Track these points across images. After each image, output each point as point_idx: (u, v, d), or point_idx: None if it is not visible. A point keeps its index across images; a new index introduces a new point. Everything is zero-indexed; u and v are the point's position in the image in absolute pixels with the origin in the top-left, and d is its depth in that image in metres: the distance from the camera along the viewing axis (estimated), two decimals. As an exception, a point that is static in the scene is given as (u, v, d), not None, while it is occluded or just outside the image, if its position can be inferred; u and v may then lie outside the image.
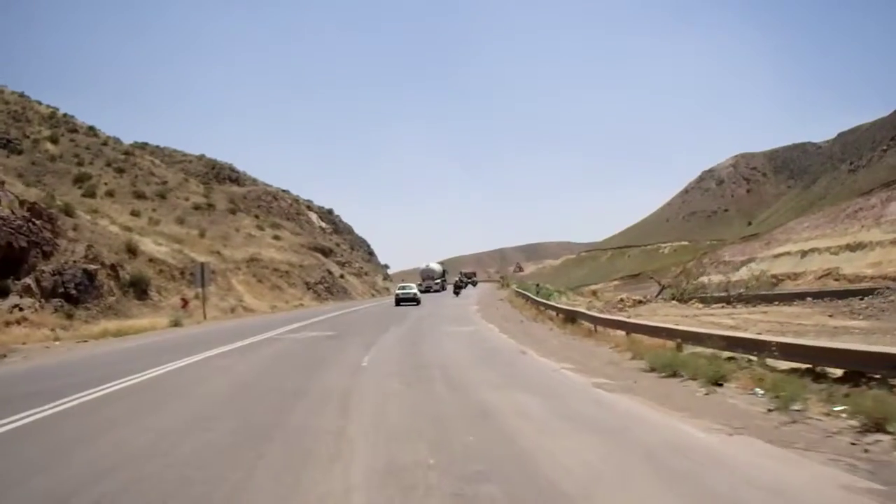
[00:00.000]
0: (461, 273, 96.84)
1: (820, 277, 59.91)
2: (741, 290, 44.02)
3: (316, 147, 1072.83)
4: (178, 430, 8.25)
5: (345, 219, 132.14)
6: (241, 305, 46.28)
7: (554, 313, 28.07)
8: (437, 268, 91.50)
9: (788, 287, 57.13)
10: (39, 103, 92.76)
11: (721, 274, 69.34)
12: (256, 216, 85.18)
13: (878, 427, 7.16)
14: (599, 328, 20.08)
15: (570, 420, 8.28)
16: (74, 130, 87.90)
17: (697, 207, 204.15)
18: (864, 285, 47.30)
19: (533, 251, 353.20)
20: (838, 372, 9.67)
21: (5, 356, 18.69)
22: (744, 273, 59.87)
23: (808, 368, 10.00)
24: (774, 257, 73.20)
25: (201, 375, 13.63)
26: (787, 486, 5.54)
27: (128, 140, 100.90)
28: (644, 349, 14.56)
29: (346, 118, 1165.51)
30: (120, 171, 78.96)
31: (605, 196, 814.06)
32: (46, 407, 9.77)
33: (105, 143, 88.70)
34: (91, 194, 63.13)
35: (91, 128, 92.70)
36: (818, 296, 40.55)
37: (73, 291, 31.24)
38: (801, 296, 41.72)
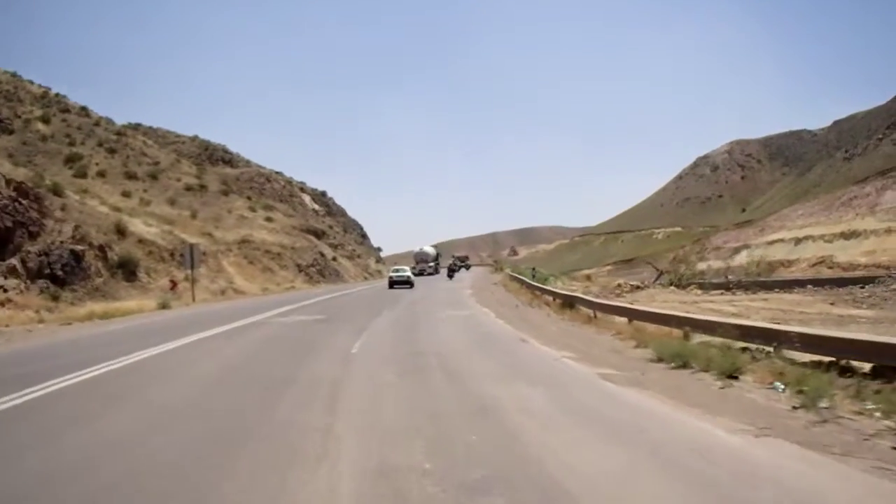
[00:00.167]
0: (454, 257, 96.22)
1: (814, 265, 59.48)
2: (741, 277, 43.47)
3: (310, 130, 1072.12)
4: (142, 430, 7.42)
5: (338, 201, 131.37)
6: (232, 287, 45.57)
7: (550, 298, 27.45)
8: (431, 251, 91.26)
9: (782, 274, 56.71)
10: (31, 83, 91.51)
11: (718, 260, 68.93)
12: (249, 198, 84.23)
13: (919, 429, 6.53)
14: (599, 314, 19.44)
15: (578, 417, 7.60)
16: (66, 110, 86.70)
17: (691, 193, 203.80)
18: (858, 273, 47.10)
19: (526, 235, 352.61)
20: (866, 366, 9.01)
21: (-17, 339, 17.98)
22: (743, 259, 59.44)
23: (831, 361, 9.32)
24: (768, 244, 72.69)
25: (179, 363, 12.86)
26: (835, 502, 4.88)
27: (121, 121, 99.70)
28: (648, 337, 13.93)
29: (342, 103, 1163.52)
30: (112, 151, 77.98)
31: (598, 181, 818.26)
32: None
33: (97, 124, 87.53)
34: (82, 174, 62.44)
35: (83, 108, 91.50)
36: (818, 283, 40.01)
37: (60, 272, 30.54)
38: (801, 283, 41.15)
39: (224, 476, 5.58)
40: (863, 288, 35.51)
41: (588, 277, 61.04)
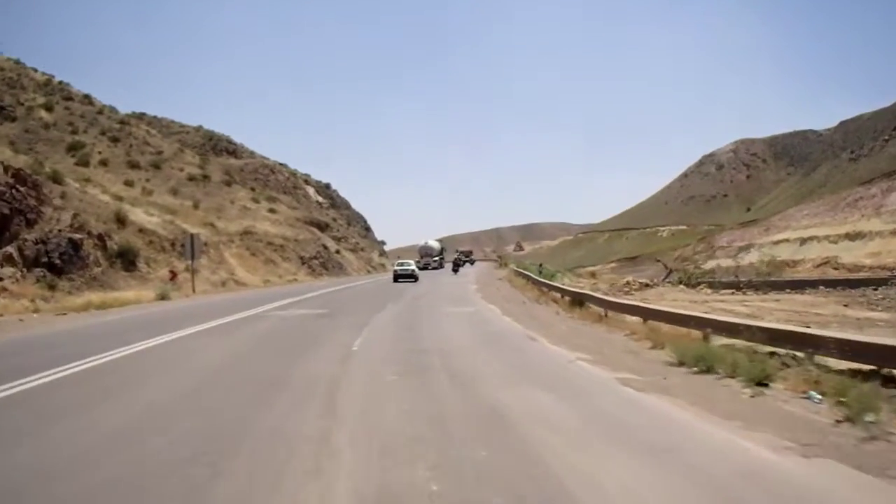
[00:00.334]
0: (458, 251, 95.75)
1: (818, 266, 58.92)
2: (751, 277, 42.75)
3: (316, 123, 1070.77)
4: (117, 436, 6.68)
5: (342, 194, 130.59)
6: (233, 279, 45.00)
7: (558, 295, 26.73)
8: (436, 245, 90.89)
9: (787, 274, 56.12)
10: (35, 70, 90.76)
11: (728, 258, 68.34)
12: (252, 188, 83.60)
13: None
14: (610, 313, 18.72)
15: (602, 431, 6.81)
16: (70, 98, 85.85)
17: (696, 192, 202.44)
18: (863, 275, 46.53)
19: (529, 231, 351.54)
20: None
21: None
22: (754, 258, 58.82)
23: (871, 370, 8.58)
24: (773, 244, 72.17)
25: (168, 359, 12.16)
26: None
27: (125, 111, 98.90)
28: (664, 338, 13.19)
29: (347, 97, 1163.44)
30: (115, 140, 77.24)
31: (602, 179, 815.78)
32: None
33: (100, 112, 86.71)
34: (84, 163, 61.91)
35: (87, 96, 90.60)
36: (830, 284, 39.31)
37: (58, 261, 29.97)
38: (812, 284, 40.40)
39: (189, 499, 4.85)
40: (875, 290, 34.87)
41: (593, 274, 60.41)
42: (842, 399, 7.54)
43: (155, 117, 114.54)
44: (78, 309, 23.92)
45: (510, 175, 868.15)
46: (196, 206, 61.63)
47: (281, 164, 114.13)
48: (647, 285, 38.75)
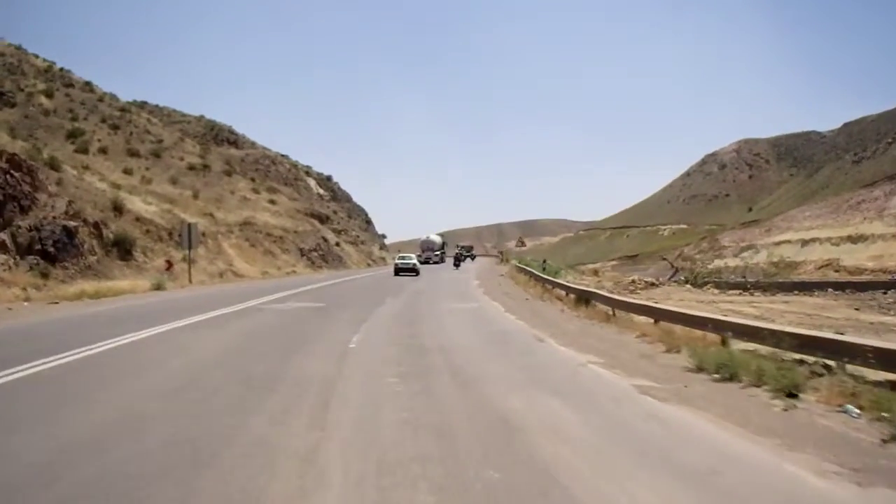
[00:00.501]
0: (460, 246, 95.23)
1: (820, 268, 58.53)
2: (758, 278, 42.18)
3: (318, 115, 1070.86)
4: (82, 446, 5.91)
5: (343, 186, 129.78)
6: (231, 270, 44.31)
7: (563, 293, 26.06)
8: (437, 239, 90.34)
9: (790, 275, 55.64)
10: (36, 56, 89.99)
11: (736, 258, 67.90)
12: (253, 179, 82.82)
13: None
14: (618, 312, 18.03)
15: (627, 446, 6.12)
16: (70, 85, 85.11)
17: (698, 191, 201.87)
18: (865, 278, 46.09)
19: (530, 227, 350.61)
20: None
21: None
22: (762, 258, 58.36)
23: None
24: (775, 245, 71.63)
25: (154, 354, 11.41)
26: None
27: (126, 98, 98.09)
28: (678, 341, 12.53)
29: (350, 90, 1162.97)
30: (115, 127, 76.47)
31: (604, 176, 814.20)
32: None
33: (101, 100, 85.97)
34: (83, 150, 61.13)
35: (87, 83, 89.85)
36: (838, 287, 38.69)
37: (51, 249, 29.23)
38: (820, 286, 39.81)
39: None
40: (885, 293, 34.30)
41: (595, 272, 59.72)
42: (884, 414, 6.89)
43: (156, 106, 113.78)
44: (71, 298, 23.30)
45: (512, 170, 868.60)
46: (195, 196, 60.87)
47: (282, 156, 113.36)
48: (652, 284, 38.10)
